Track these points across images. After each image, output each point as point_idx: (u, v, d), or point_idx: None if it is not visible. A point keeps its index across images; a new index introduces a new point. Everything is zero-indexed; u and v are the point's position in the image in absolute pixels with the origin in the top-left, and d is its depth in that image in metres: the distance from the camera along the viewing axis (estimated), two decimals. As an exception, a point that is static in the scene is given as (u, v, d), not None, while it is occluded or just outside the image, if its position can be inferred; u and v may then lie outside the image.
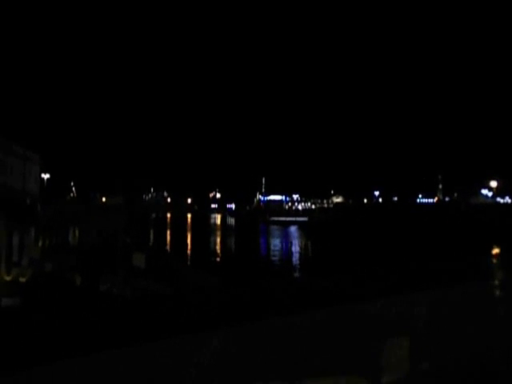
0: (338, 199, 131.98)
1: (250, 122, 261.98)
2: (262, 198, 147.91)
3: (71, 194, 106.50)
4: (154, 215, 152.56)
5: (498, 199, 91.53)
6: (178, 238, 60.73)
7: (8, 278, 15.77)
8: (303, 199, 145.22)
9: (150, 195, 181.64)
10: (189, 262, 31.17)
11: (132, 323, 2.14)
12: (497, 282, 3.77)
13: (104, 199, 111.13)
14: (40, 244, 20.02)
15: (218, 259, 35.76)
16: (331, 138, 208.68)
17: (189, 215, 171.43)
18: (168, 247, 46.28)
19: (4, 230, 16.47)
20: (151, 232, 72.99)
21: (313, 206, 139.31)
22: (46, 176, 58.38)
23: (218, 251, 42.62)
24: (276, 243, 53.39)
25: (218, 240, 59.42)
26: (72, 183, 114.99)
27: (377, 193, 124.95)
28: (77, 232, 21.92)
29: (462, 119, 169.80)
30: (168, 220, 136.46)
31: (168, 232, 76.32)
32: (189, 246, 48.44)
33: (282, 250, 44.36)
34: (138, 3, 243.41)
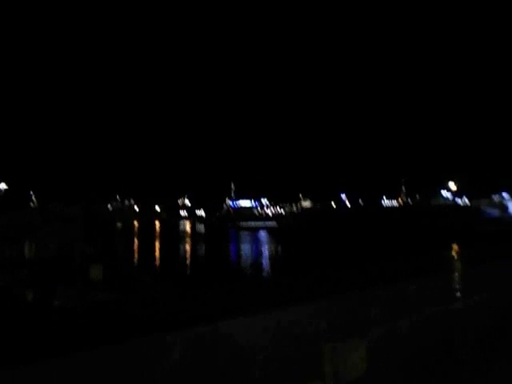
0: (306, 203, 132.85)
1: (217, 125, 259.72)
2: (232, 204, 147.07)
3: (31, 204, 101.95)
4: (119, 224, 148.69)
5: (457, 200, 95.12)
6: (144, 247, 59.07)
7: None
8: (272, 203, 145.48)
9: (114, 203, 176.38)
10: (152, 271, 30.15)
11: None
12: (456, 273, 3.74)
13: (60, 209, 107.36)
14: None
15: (185, 266, 34.80)
16: (297, 140, 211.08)
17: (157, 223, 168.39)
18: (133, 256, 44.77)
19: None
20: (116, 241, 70.71)
21: (282, 211, 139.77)
22: (1, 186, 55.62)
23: (186, 258, 41.60)
24: (245, 249, 52.93)
25: (186, 247, 58.20)
26: (31, 193, 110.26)
27: (343, 196, 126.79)
28: (30, 244, 20.73)
29: (422, 122, 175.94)
30: (135, 229, 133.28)
31: (134, 241, 74.25)
32: (155, 254, 47.08)
33: (251, 255, 43.99)
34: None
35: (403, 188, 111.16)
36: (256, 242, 66.13)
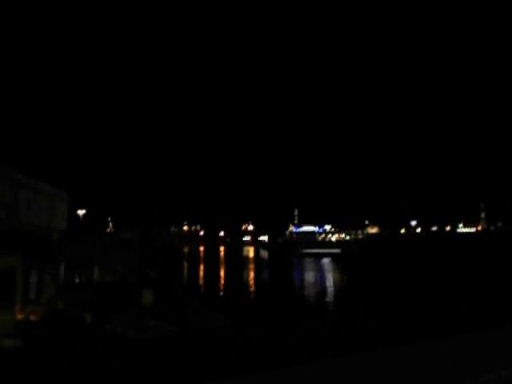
0: (373, 230, 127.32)
1: (283, 153, 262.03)
2: (295, 230, 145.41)
3: (108, 229, 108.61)
4: (186, 249, 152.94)
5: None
6: (208, 272, 59.48)
7: (20, 317, 15.16)
8: (336, 230, 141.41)
9: (176, 229, 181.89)
10: (212, 299, 29.80)
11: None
12: None
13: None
14: (61, 281, 19.57)
15: (248, 295, 34.03)
16: (365, 167, 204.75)
17: (221, 248, 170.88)
18: (195, 281, 45.07)
19: (21, 267, 15.96)
20: (182, 266, 72.30)
21: (347, 237, 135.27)
22: (81, 212, 59.53)
23: (249, 287, 40.86)
24: (309, 278, 51.06)
25: (250, 274, 57.59)
26: (109, 218, 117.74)
27: (414, 222, 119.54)
28: (93, 268, 21.45)
29: (505, 145, 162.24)
30: (201, 253, 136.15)
31: (199, 265, 75.30)
32: (220, 281, 46.98)
33: (315, 285, 42.18)
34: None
35: (482, 214, 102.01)
36: (320, 270, 63.80)
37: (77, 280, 20.96)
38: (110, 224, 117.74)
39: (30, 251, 16.31)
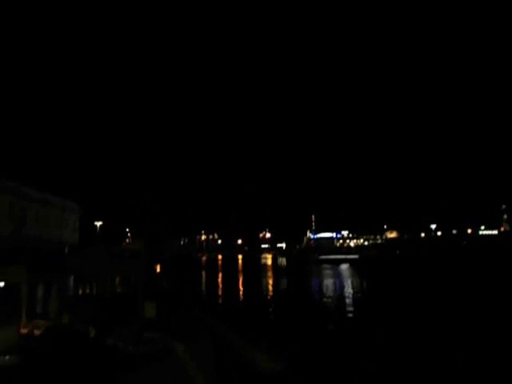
0: (392, 234, 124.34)
1: (299, 161, 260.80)
2: (312, 236, 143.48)
3: (127, 240, 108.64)
4: (204, 257, 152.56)
5: None
6: (227, 281, 58.50)
7: (24, 331, 14.57)
8: (354, 235, 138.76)
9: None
10: (231, 311, 28.74)
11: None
12: None
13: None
14: (70, 293, 18.98)
15: (268, 305, 32.82)
16: (382, 171, 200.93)
17: (240, 256, 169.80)
18: (218, 291, 44.09)
19: (26, 281, 15.38)
20: (200, 275, 71.54)
21: (365, 243, 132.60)
22: (98, 223, 59.40)
23: (268, 295, 39.60)
24: (327, 284, 49.53)
25: (268, 282, 56.36)
26: (127, 229, 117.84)
27: (434, 226, 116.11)
28: (99, 281, 20.86)
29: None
30: (219, 262, 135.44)
31: (219, 274, 74.40)
32: (238, 290, 45.89)
33: (334, 292, 40.69)
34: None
35: (505, 216, 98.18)
36: (338, 276, 62.15)
37: (86, 291, 20.39)
38: (129, 235, 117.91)
39: (36, 265, 15.74)
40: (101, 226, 61.66)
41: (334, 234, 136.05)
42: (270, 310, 31.09)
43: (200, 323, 16.56)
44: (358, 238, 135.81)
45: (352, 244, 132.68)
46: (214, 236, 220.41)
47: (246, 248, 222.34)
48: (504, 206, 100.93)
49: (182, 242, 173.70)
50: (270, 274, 74.27)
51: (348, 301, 33.74)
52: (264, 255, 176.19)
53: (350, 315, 27.15)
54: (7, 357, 12.17)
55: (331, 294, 38.77)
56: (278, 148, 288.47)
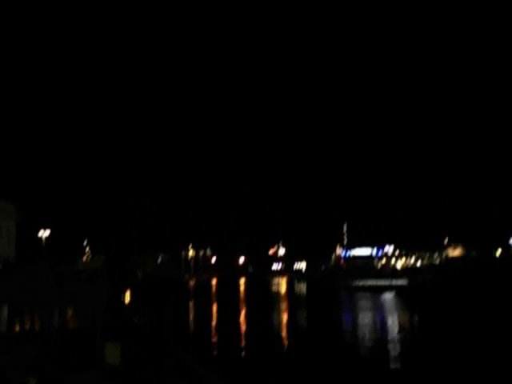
0: (456, 251, 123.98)
1: (326, 150, 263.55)
2: (344, 253, 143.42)
3: (84, 257, 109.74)
4: (192, 282, 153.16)
5: None
6: (223, 317, 58.62)
7: None
8: (403, 253, 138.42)
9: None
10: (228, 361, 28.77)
11: None
12: None
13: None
14: (1, 330, 19.21)
15: (281, 358, 32.73)
16: (442, 166, 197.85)
17: (242, 280, 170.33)
18: (210, 331, 44.18)
19: None
20: (187, 306, 71.72)
21: (418, 263, 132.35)
22: (44, 233, 59.65)
23: (282, 342, 39.48)
24: (364, 323, 49.46)
25: (281, 320, 56.41)
26: (86, 241, 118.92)
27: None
28: (43, 313, 21.17)
29: None
30: (213, 288, 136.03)
31: (213, 306, 74.75)
32: (239, 330, 45.97)
33: (374, 335, 40.55)
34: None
35: None
36: (380, 312, 62.20)
37: (25, 327, 20.53)
38: (87, 249, 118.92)
39: None
40: (48, 236, 62.12)
41: (373, 251, 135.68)
42: (284, 359, 31.08)
43: (183, 375, 16.62)
44: (407, 257, 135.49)
45: (399, 265, 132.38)
46: (205, 252, 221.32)
47: (251, 269, 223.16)
48: None
49: (158, 260, 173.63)
50: (283, 306, 74.47)
51: (393, 348, 33.65)
52: (276, 279, 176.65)
53: (396, 368, 27.04)
54: None
55: (369, 338, 38.76)
56: (297, 137, 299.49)
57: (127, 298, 50.20)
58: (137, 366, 16.32)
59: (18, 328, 20.90)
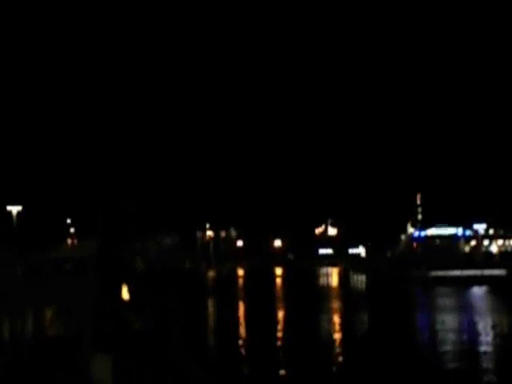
0: None
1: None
2: (417, 233, 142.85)
3: (69, 241, 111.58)
4: (213, 272, 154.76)
5: None
6: (255, 320, 59.25)
7: None
8: (499, 233, 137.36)
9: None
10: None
11: None
12: None
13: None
14: None
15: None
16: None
17: (278, 270, 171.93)
18: (237, 339, 44.81)
19: None
20: (205, 306, 72.78)
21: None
22: (14, 209, 60.47)
23: (336, 358, 39.61)
24: (447, 330, 49.30)
25: (333, 323, 56.73)
26: (69, 221, 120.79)
27: None
28: (12, 316, 21.79)
29: None
30: (239, 280, 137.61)
31: (239, 305, 75.90)
32: (276, 339, 46.38)
33: (460, 346, 40.42)
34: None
35: None
36: (467, 312, 62.19)
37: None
38: (72, 230, 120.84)
39: None
40: (20, 213, 63.06)
41: (458, 230, 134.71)
42: (338, 376, 31.20)
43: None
44: (505, 238, 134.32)
45: (494, 249, 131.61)
46: (228, 232, 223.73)
47: (291, 255, 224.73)
48: None
49: (165, 244, 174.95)
50: (335, 305, 74.81)
51: (486, 360, 33.68)
52: (324, 269, 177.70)
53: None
54: None
55: (452, 348, 38.93)
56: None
57: (125, 294, 50.82)
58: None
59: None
